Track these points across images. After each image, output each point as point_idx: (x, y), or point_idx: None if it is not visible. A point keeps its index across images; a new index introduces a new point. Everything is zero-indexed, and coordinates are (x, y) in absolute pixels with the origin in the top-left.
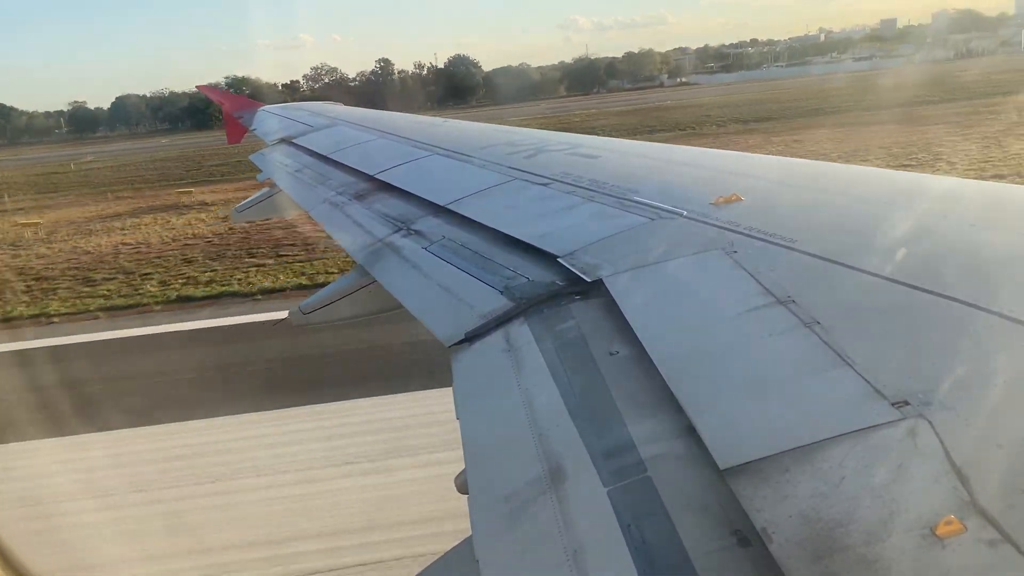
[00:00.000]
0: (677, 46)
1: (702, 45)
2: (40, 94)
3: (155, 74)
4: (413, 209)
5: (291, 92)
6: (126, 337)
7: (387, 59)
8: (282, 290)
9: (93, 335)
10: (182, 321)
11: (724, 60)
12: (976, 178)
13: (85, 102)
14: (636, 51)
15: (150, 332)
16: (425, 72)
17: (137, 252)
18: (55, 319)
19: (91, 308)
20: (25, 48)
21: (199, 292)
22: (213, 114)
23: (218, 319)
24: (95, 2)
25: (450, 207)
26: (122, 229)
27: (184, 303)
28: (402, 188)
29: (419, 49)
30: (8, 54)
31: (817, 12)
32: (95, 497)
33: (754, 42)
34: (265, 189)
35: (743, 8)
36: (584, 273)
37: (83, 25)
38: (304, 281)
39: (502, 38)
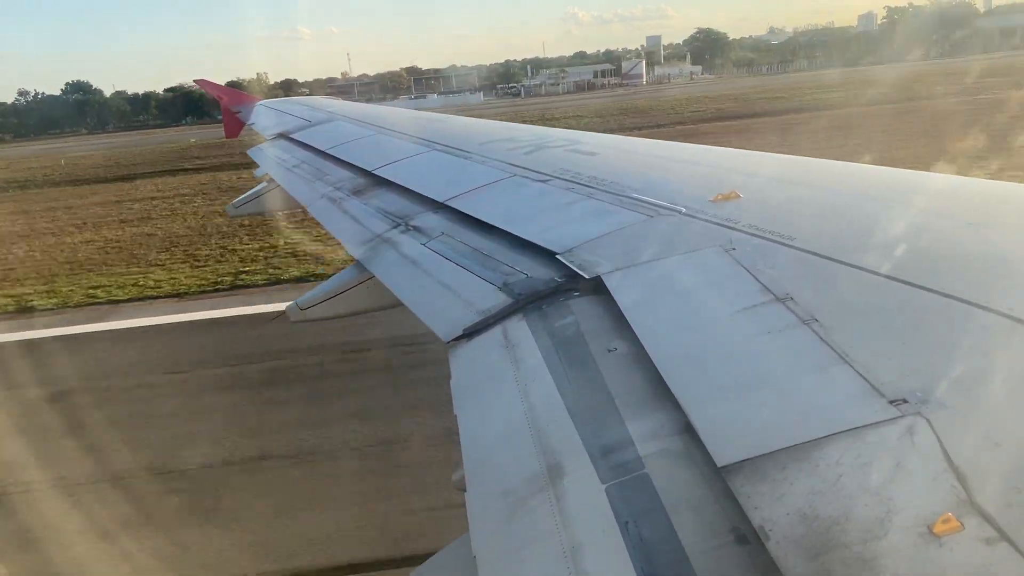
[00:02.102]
0: (681, 39)
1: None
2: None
3: (153, 66)
4: (411, 205)
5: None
6: None
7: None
8: None
9: None
10: None
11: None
12: None
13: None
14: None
15: None
16: None
17: None
18: None
19: None
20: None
21: None
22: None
23: None
24: None
25: (449, 203)
26: None
27: None
28: (400, 184)
29: (418, 42)
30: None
31: (825, 4)
32: None
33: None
34: (262, 184)
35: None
36: (582, 270)
37: (73, 18)
38: None
39: (502, 32)
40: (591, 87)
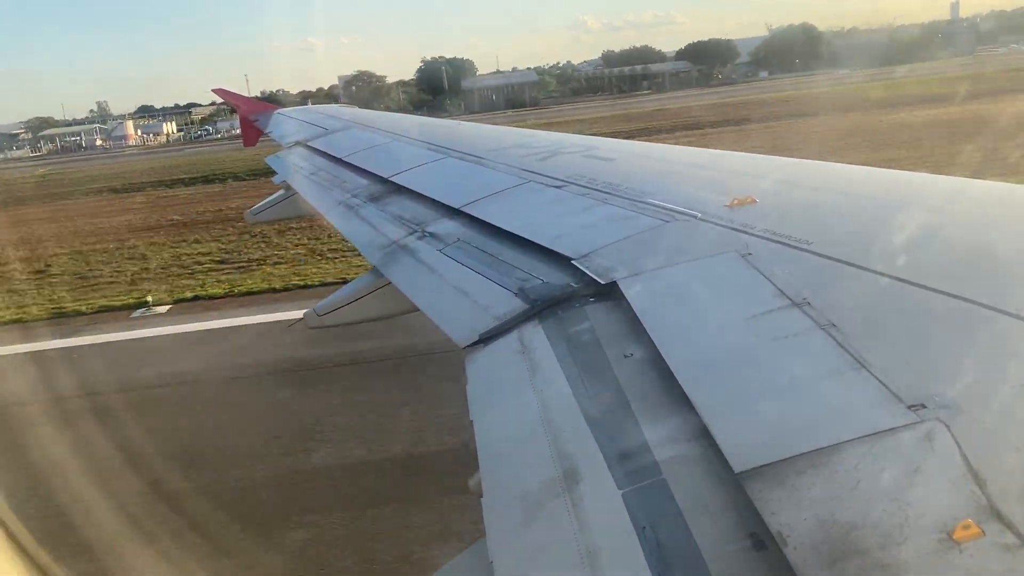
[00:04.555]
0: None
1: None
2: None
3: (162, 79)
4: (427, 211)
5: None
6: None
7: None
8: None
9: None
10: None
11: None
12: None
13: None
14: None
15: None
16: None
17: None
18: None
19: None
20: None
21: None
22: None
23: None
24: (99, 5)
25: (464, 209)
26: None
27: None
28: (416, 191)
29: (427, 51)
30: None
31: (835, 8)
32: None
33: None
34: (280, 191)
35: (756, 3)
36: (598, 275)
37: (84, 28)
38: None
39: (512, 40)
40: (80, 147)
